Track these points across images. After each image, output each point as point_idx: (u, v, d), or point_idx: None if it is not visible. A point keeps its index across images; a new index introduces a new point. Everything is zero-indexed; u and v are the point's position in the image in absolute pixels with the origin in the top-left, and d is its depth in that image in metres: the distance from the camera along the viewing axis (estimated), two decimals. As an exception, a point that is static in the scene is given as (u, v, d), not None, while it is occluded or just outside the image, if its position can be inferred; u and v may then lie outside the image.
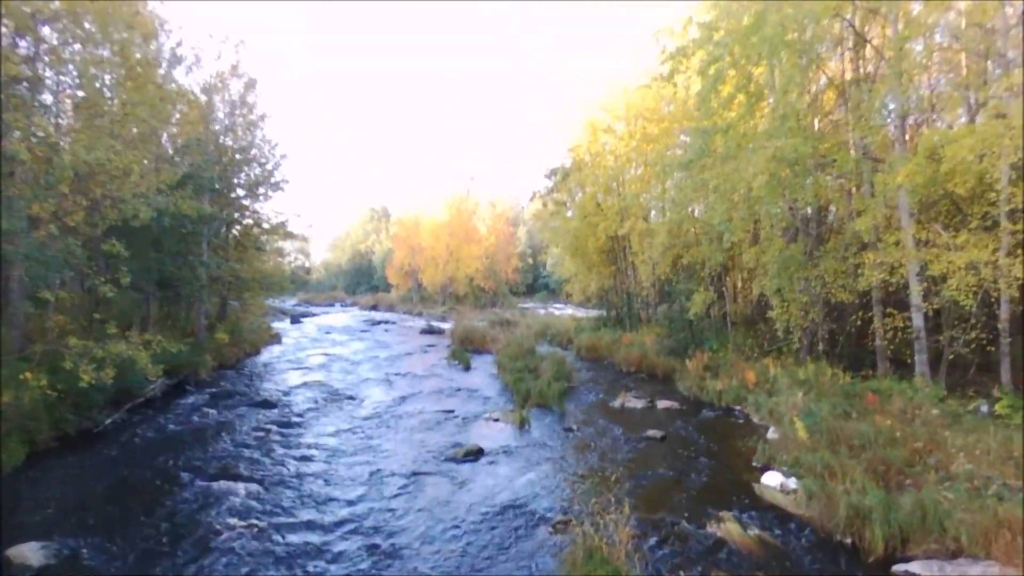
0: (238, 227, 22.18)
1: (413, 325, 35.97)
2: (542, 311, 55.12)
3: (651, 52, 20.33)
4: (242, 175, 21.48)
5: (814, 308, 11.43)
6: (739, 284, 16.78)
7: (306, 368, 18.14)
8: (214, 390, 14.39)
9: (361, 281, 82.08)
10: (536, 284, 74.22)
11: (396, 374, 17.01)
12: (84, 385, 9.09)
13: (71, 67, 11.22)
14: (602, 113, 22.55)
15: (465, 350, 22.16)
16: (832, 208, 12.78)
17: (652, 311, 22.50)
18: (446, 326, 34.26)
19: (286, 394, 14.10)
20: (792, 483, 7.28)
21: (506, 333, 25.52)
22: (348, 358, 20.28)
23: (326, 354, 21.25)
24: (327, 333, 29.86)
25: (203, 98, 18.76)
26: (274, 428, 10.77)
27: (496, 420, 11.41)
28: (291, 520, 6.75)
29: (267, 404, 12.79)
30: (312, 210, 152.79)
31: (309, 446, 9.78)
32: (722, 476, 8.24)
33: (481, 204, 56.96)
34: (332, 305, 59.74)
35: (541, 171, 28.90)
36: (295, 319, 37.29)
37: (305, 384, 15.31)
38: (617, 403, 12.88)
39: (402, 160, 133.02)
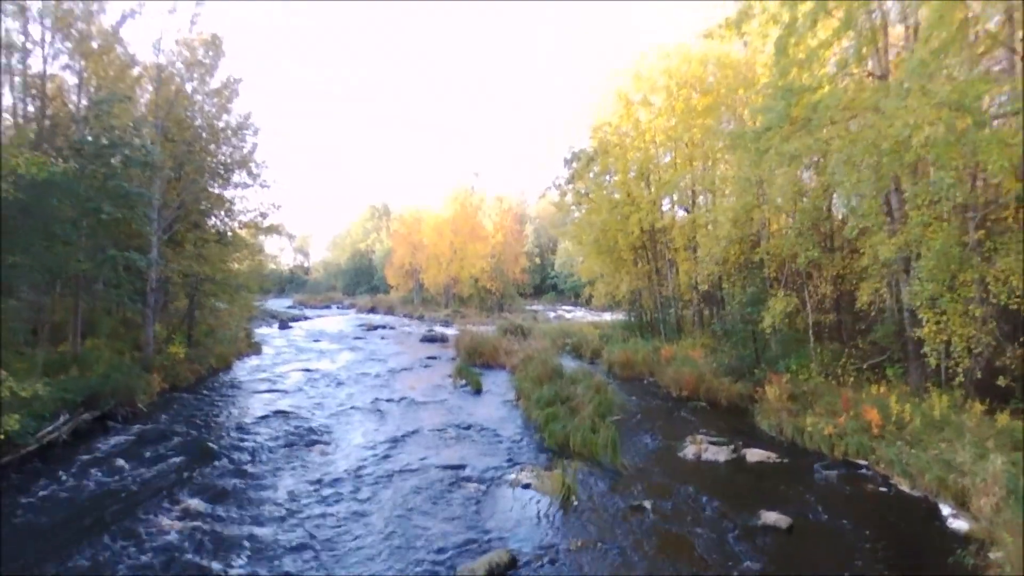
0: (208, 219, 18.67)
1: (413, 331, 32.47)
2: (552, 314, 51.59)
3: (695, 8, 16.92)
4: (212, 158, 17.97)
5: (987, 324, 7.85)
6: (821, 286, 13.30)
7: (278, 391, 14.64)
8: (145, 427, 10.89)
9: (361, 281, 78.69)
10: (544, 285, 70.80)
11: (388, 400, 13.50)
12: None
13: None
14: (635, 84, 19.04)
15: (473, 364, 18.68)
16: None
17: (696, 318, 18.92)
18: (450, 332, 30.79)
19: (239, 435, 10.60)
20: None
21: (520, 344, 22.07)
22: (333, 376, 16.78)
23: (308, 370, 17.75)
24: (316, 341, 26.38)
25: (152, 59, 15.32)
26: (196, 507, 7.23)
27: (526, 486, 7.89)
28: None
29: (204, 455, 9.27)
30: (313, 208, 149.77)
31: (238, 547, 6.26)
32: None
33: (487, 199, 53.43)
34: (328, 307, 56.29)
35: (549, 167, 25.50)
36: (284, 324, 33.85)
37: (269, 417, 11.81)
38: (689, 452, 9.35)
39: (405, 157, 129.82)
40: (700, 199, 18.84)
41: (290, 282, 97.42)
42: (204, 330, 20.48)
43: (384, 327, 34.61)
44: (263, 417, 11.81)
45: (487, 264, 46.39)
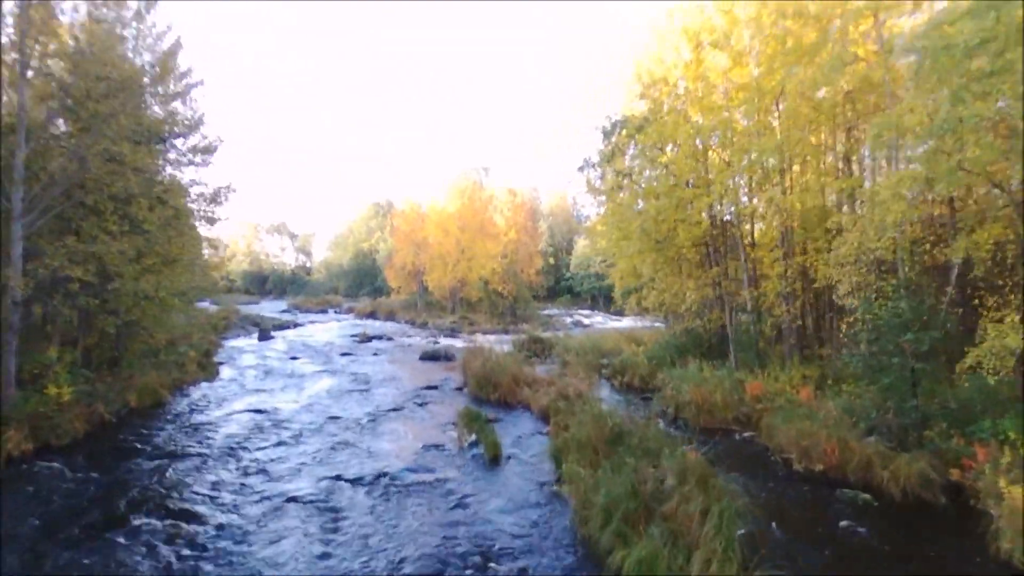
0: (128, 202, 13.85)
1: (414, 343, 27.64)
2: (568, 319, 46.62)
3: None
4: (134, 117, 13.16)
5: None
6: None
7: (196, 456, 9.77)
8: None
9: (364, 283, 74.12)
10: (558, 287, 65.87)
11: (356, 482, 8.58)
12: None
13: None
14: (707, 23, 14.11)
15: (485, 400, 13.87)
16: None
17: (795, 338, 13.91)
18: (457, 345, 25.98)
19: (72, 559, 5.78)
20: None
21: (544, 366, 17.32)
22: (290, 424, 11.93)
23: (260, 411, 12.91)
24: (293, 359, 21.58)
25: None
26: None
27: None
28: None
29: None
30: (316, 205, 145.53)
31: None
32: None
33: (498, 194, 48.51)
34: (325, 311, 51.58)
35: (564, 157, 20.69)
36: (265, 334, 29.11)
37: (142, 526, 6.97)
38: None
39: (411, 153, 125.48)
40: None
41: (292, 283, 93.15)
42: (141, 349, 15.82)
43: (381, 337, 29.81)
44: (132, 529, 6.97)
45: (498, 265, 41.49)
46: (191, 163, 16.80)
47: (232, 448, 10.13)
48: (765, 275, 14.56)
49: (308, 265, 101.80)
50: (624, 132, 16.98)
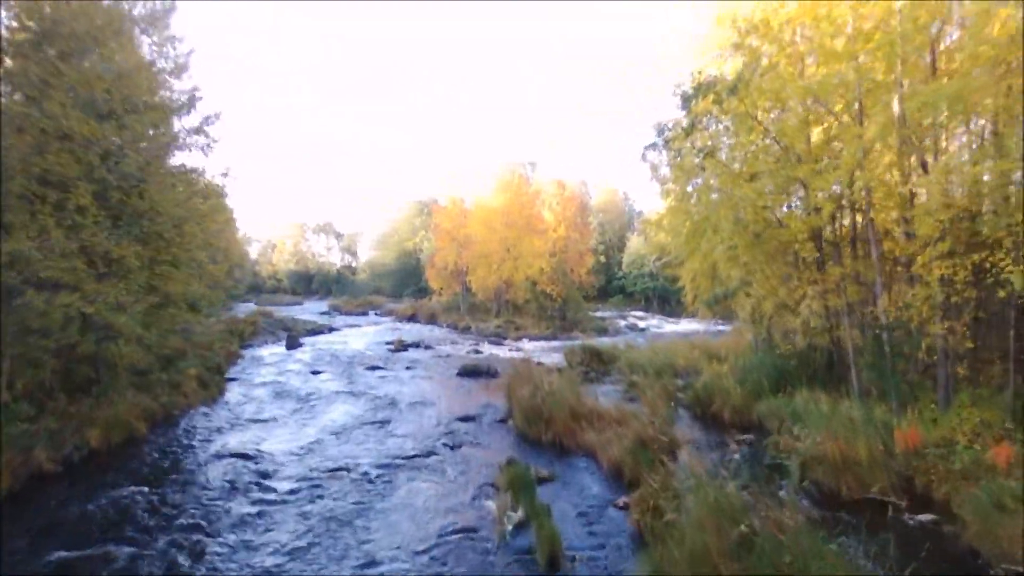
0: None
1: (453, 352, 24.76)
2: (622, 322, 43.00)
3: None
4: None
5: None
6: None
7: (125, 545, 6.97)
8: None
9: (408, 283, 72.27)
10: (609, 287, 62.03)
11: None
12: None
13: None
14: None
15: (535, 439, 10.75)
16: None
17: (957, 366, 10.09)
18: (501, 355, 23.01)
19: None
20: None
21: (607, 387, 14.12)
22: (278, 479, 9.01)
23: (248, 457, 10.08)
24: (314, 373, 18.97)
25: None
26: None
27: None
28: None
29: None
30: (362, 204, 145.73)
31: None
32: None
33: (545, 188, 45.17)
34: (364, 314, 49.56)
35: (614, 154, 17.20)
36: (294, 341, 26.79)
37: None
38: None
39: (454, 151, 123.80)
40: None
41: (337, 283, 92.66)
42: (128, 367, 13.37)
43: (418, 345, 27.07)
44: None
45: (546, 264, 38.19)
46: (192, 146, 14.39)
47: (185, 529, 7.26)
48: (913, 278, 10.77)
49: (353, 265, 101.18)
50: (710, 97, 13.39)
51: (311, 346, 26.52)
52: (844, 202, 11.86)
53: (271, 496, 8.28)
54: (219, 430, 11.80)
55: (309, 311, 50.29)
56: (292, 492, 8.41)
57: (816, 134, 12.47)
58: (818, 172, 11.06)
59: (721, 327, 31.33)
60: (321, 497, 8.26)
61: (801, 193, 12.48)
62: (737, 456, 10.21)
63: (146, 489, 8.40)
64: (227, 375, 17.79)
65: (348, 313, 49.38)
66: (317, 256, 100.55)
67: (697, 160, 14.60)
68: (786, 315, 12.50)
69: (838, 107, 11.43)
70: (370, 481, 8.78)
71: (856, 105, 10.81)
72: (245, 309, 43.78)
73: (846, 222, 12.60)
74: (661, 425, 10.13)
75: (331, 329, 34.84)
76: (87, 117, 9.41)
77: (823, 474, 8.68)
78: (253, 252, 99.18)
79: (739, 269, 14.04)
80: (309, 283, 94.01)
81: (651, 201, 73.07)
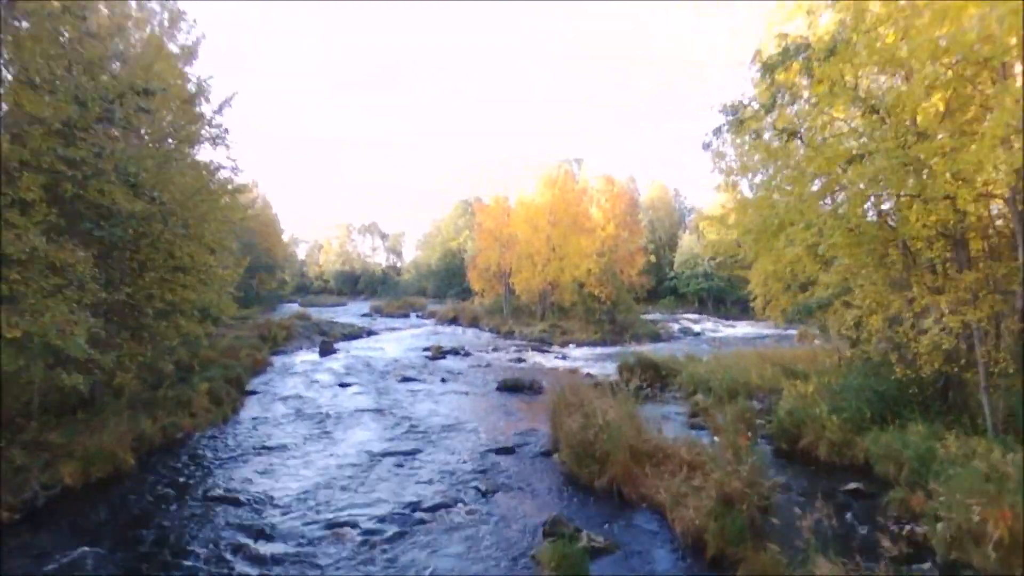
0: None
1: (494, 361, 22.91)
2: (675, 325, 40.21)
3: None
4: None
5: None
6: None
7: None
8: None
9: (452, 284, 71.13)
10: (660, 288, 58.90)
11: None
12: None
13: None
14: None
15: (587, 483, 8.74)
16: None
17: None
18: (546, 364, 21.06)
19: None
20: None
21: (669, 408, 11.99)
22: (267, 538, 7.24)
23: (241, 504, 8.39)
24: (343, 385, 17.45)
25: None
26: None
27: None
28: None
29: None
30: (407, 204, 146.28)
31: None
32: None
33: (593, 183, 42.81)
34: (406, 316, 48.46)
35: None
36: (328, 348, 25.53)
37: None
38: None
39: (499, 150, 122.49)
40: None
41: (382, 283, 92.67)
42: (130, 384, 12.06)
43: (457, 352, 25.39)
44: None
45: (594, 264, 35.89)
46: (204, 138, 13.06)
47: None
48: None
49: (398, 265, 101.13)
50: (796, 65, 10.98)
51: (345, 352, 25.20)
52: (982, 188, 9.28)
53: (252, 569, 6.54)
54: (219, 462, 10.25)
55: (351, 313, 49.61)
56: (279, 560, 6.64)
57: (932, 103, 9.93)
58: (951, 151, 8.54)
59: (786, 331, 28.38)
60: (316, 566, 6.48)
61: (911, 181, 9.93)
62: (848, 517, 7.90)
63: (103, 551, 6.79)
64: (249, 387, 16.47)
65: (389, 315, 48.40)
66: (363, 256, 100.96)
67: (777, 143, 12.19)
68: (899, 331, 9.94)
69: (967, 70, 8.92)
70: (373, 548, 6.91)
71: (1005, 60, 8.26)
72: (288, 310, 43.34)
73: (983, 213, 9.98)
74: (749, 474, 7.88)
75: (369, 333, 33.63)
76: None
77: (982, 559, 6.29)
78: (301, 253, 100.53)
79: (836, 275, 11.54)
80: (355, 283, 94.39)
81: (701, 196, 69.04)
